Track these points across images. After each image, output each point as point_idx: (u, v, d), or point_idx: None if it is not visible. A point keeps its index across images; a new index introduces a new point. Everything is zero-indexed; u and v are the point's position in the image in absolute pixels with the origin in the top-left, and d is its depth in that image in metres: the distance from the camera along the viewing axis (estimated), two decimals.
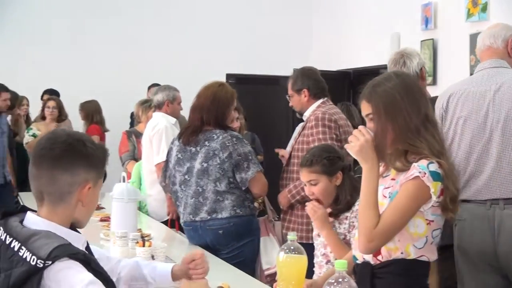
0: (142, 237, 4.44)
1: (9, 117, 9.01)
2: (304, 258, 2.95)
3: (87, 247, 2.48)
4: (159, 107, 6.45)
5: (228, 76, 9.59)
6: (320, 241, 3.94)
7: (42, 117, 8.97)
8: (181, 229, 5.55)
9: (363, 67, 9.47)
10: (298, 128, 5.52)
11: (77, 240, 2.38)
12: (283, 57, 10.67)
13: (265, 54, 10.88)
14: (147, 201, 6.43)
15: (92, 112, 9.24)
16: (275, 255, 5.40)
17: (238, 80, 9.40)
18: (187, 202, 4.96)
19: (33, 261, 2.17)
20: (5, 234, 2.28)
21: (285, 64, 9.56)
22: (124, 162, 7.57)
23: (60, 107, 9.05)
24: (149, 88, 9.42)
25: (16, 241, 2.23)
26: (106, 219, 5.64)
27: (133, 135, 7.56)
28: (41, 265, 2.16)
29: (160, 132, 6.20)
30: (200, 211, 4.90)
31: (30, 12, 10.41)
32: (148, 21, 10.77)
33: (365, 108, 2.99)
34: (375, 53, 9.04)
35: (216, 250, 4.85)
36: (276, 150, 5.55)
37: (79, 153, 2.35)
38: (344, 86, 9.81)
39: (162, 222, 6.11)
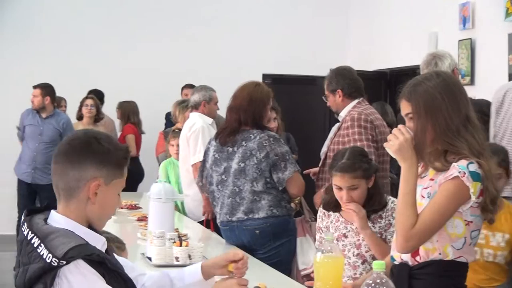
0: (179, 236, 4.45)
1: None
2: (341, 258, 2.94)
3: (107, 250, 2.49)
4: (195, 107, 6.46)
5: (265, 76, 9.58)
6: (350, 242, 3.92)
7: (79, 117, 8.99)
8: (216, 229, 5.56)
9: (400, 67, 9.40)
10: (334, 129, 5.50)
11: (96, 241, 2.40)
12: (320, 57, 10.64)
13: (302, 54, 10.86)
14: (184, 201, 6.45)
15: (128, 112, 9.27)
16: (312, 256, 5.43)
17: (274, 80, 9.39)
18: (224, 202, 4.97)
19: (48, 258, 2.21)
20: (27, 230, 2.33)
21: (321, 64, 9.52)
22: (161, 162, 7.60)
23: (97, 106, 9.10)
24: (183, 88, 9.45)
25: (36, 237, 2.28)
26: (143, 219, 5.67)
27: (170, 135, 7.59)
28: (56, 263, 2.21)
29: (196, 133, 6.21)
30: (237, 211, 4.90)
31: (70, 13, 10.50)
32: (184, 21, 10.79)
33: (405, 107, 2.97)
34: (412, 53, 8.96)
35: (253, 250, 4.85)
36: (306, 172, 5.49)
37: (89, 150, 2.38)
38: (380, 86, 9.75)
39: (199, 222, 6.12)
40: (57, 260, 2.20)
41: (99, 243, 2.41)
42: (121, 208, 6.42)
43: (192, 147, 6.23)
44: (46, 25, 10.42)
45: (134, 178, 9.17)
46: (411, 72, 8.37)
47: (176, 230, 4.71)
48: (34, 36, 10.37)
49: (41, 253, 2.23)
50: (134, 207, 6.50)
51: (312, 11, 11.13)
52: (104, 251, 2.43)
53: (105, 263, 2.30)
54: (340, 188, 3.86)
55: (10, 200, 8.91)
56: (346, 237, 3.93)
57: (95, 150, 2.38)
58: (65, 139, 2.47)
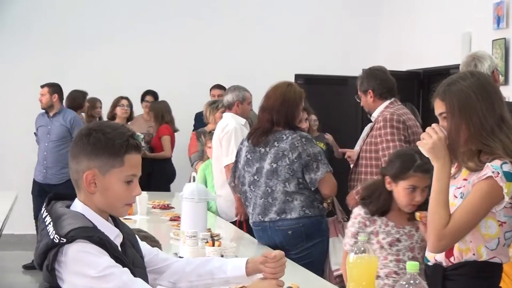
0: (212, 236, 4.47)
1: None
2: (374, 258, 2.93)
3: (123, 243, 2.53)
4: (229, 107, 6.44)
5: (297, 76, 9.57)
6: (404, 246, 3.81)
7: (112, 117, 9.03)
8: (249, 230, 5.56)
9: (434, 67, 9.35)
10: (367, 129, 5.49)
11: (110, 232, 2.47)
12: (352, 57, 10.61)
13: (334, 54, 10.83)
14: (217, 201, 6.47)
15: (162, 112, 9.30)
16: None
17: (307, 81, 9.38)
18: (256, 202, 4.98)
19: (51, 235, 2.33)
20: (45, 212, 2.45)
21: (353, 64, 9.50)
22: (193, 163, 7.64)
23: (131, 106, 9.16)
24: (211, 89, 9.46)
25: (49, 217, 2.40)
26: (176, 219, 5.70)
27: (202, 135, 7.62)
28: (57, 241, 2.31)
29: (229, 134, 6.21)
30: (269, 212, 4.91)
31: (100, 15, 10.57)
32: (215, 21, 10.81)
33: (439, 107, 2.96)
34: (445, 53, 8.92)
35: (285, 250, 4.77)
36: (341, 151, 5.50)
37: (83, 141, 2.44)
38: (413, 86, 9.70)
39: (231, 223, 6.14)
40: (58, 237, 2.31)
41: (113, 234, 2.47)
42: (154, 208, 6.46)
43: (224, 148, 6.23)
44: (77, 27, 10.48)
45: (167, 178, 9.22)
46: (444, 72, 8.37)
47: (209, 230, 4.73)
48: (62, 38, 10.43)
49: (48, 231, 2.35)
50: (167, 207, 6.54)
51: (344, 11, 11.09)
52: (118, 244, 2.48)
53: (106, 247, 2.36)
54: (413, 189, 3.76)
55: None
56: (399, 241, 3.85)
57: (88, 141, 2.43)
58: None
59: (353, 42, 10.95)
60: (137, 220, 5.82)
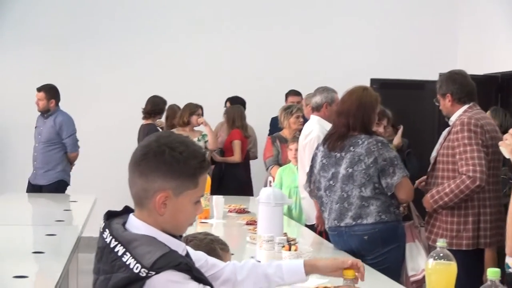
0: (288, 241, 4.48)
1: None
2: (453, 265, 2.90)
3: (187, 254, 2.42)
4: (317, 109, 6.35)
5: (373, 81, 9.53)
6: None
7: (183, 123, 8.89)
8: (328, 238, 5.55)
9: None
10: (444, 133, 5.43)
11: (176, 246, 2.31)
12: (428, 61, 10.49)
13: (410, 58, 10.73)
14: (302, 203, 6.54)
15: (234, 117, 9.33)
16: (421, 262, 5.38)
17: (382, 85, 9.31)
18: (332, 207, 4.97)
19: (136, 269, 2.16)
20: (110, 237, 2.27)
21: (430, 68, 9.41)
22: (268, 167, 7.67)
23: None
24: (287, 95, 9.48)
25: (120, 245, 2.22)
26: (252, 223, 5.73)
27: (278, 140, 7.65)
28: (144, 274, 2.15)
29: (312, 142, 6.14)
30: (345, 217, 4.90)
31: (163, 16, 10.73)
32: (289, 25, 10.82)
33: None
34: None
35: (361, 256, 4.81)
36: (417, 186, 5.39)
37: (159, 160, 2.26)
38: (491, 91, 9.54)
39: (312, 225, 6.13)
40: (146, 271, 2.15)
41: (179, 248, 2.34)
42: (230, 212, 6.51)
43: (307, 156, 6.22)
44: (134, 28, 10.65)
45: (238, 182, 9.24)
46: None
47: (285, 234, 4.75)
48: (115, 39, 10.61)
49: (127, 263, 2.18)
50: (243, 211, 6.57)
51: (421, 14, 10.99)
52: (184, 255, 2.35)
53: (191, 271, 2.23)
54: None
55: None
56: None
57: (164, 160, 2.26)
58: (138, 146, 2.36)
59: (430, 46, 10.84)
60: (214, 224, 5.88)
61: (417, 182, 5.35)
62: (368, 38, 10.86)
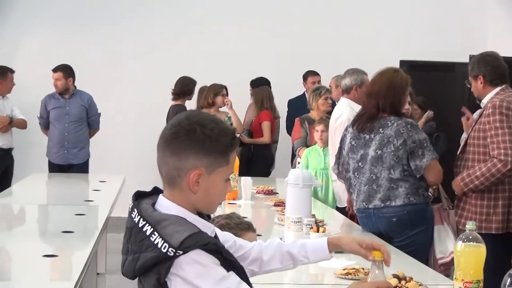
0: (316, 222, 4.48)
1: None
2: (483, 247, 2.88)
3: (216, 236, 2.41)
4: (347, 91, 6.31)
5: (402, 63, 9.47)
6: None
7: (208, 105, 8.88)
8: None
9: None
10: (475, 116, 5.39)
11: (206, 228, 2.31)
12: (459, 43, 10.38)
13: (440, 40, 10.60)
14: (334, 186, 6.56)
15: (263, 98, 9.31)
16: (449, 244, 5.36)
17: (412, 67, 9.26)
18: (361, 189, 4.96)
19: (164, 248, 2.16)
20: (138, 216, 2.26)
21: (461, 50, 9.33)
22: (297, 149, 7.66)
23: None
24: (306, 75, 9.45)
25: (148, 225, 2.22)
26: (280, 204, 5.73)
27: (306, 121, 7.63)
28: (172, 253, 2.15)
29: (342, 125, 6.13)
30: (374, 199, 4.88)
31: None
32: (316, 5, 10.78)
33: None
34: None
35: (389, 238, 4.82)
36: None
37: (190, 138, 2.25)
38: None
39: (343, 208, 6.13)
40: (173, 250, 2.15)
41: (209, 230, 2.33)
42: (258, 193, 6.52)
43: (338, 138, 6.21)
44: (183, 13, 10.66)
45: (266, 163, 9.25)
46: None
47: (313, 216, 4.75)
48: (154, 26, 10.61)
49: (155, 242, 2.18)
50: (271, 193, 6.58)
51: None
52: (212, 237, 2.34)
53: (221, 253, 2.23)
54: None
55: None
56: None
57: (197, 138, 2.25)
58: (168, 125, 2.34)
59: (460, 27, 10.71)
60: (242, 205, 5.89)
61: None
62: (398, 20, 10.75)
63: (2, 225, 5.25)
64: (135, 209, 2.29)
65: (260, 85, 9.47)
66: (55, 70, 8.79)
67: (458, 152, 5.31)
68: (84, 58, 9.89)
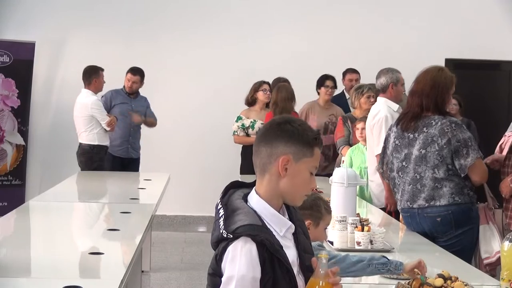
0: (361, 221, 4.48)
1: None
2: None
3: (295, 232, 2.62)
4: (383, 90, 6.35)
5: (447, 61, 9.40)
6: None
7: (249, 103, 8.89)
8: (397, 219, 5.53)
9: None
10: None
11: (282, 224, 2.57)
12: (505, 41, 10.26)
13: (486, 38, 10.49)
14: (370, 186, 6.51)
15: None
16: (495, 244, 5.30)
17: (457, 65, 9.20)
18: (405, 188, 4.94)
19: (221, 229, 2.47)
20: (221, 204, 2.58)
21: (507, 48, 9.23)
22: (339, 147, 7.65)
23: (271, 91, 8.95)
24: (345, 73, 9.37)
25: (224, 209, 2.55)
26: None
27: (349, 120, 7.62)
28: (225, 236, 2.44)
29: (380, 122, 6.16)
30: (418, 198, 4.86)
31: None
32: (364, 5, 10.76)
33: None
34: None
35: (434, 237, 4.80)
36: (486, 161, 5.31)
37: (280, 129, 2.56)
38: None
39: (381, 209, 6.11)
40: (226, 233, 2.44)
41: (284, 227, 2.57)
42: None
43: (375, 136, 6.20)
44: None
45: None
46: None
47: (358, 215, 4.75)
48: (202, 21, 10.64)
49: (219, 224, 2.50)
50: (315, 191, 6.55)
51: None
52: (291, 234, 2.59)
53: (265, 246, 2.43)
54: None
55: None
56: None
57: (286, 130, 2.56)
58: (262, 126, 2.73)
59: (506, 26, 10.59)
60: None
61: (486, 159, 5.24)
62: (443, 18, 10.65)
63: (49, 222, 5.33)
64: (225, 195, 2.62)
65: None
66: (134, 73, 9.20)
67: (505, 152, 5.26)
68: (134, 58, 9.97)
